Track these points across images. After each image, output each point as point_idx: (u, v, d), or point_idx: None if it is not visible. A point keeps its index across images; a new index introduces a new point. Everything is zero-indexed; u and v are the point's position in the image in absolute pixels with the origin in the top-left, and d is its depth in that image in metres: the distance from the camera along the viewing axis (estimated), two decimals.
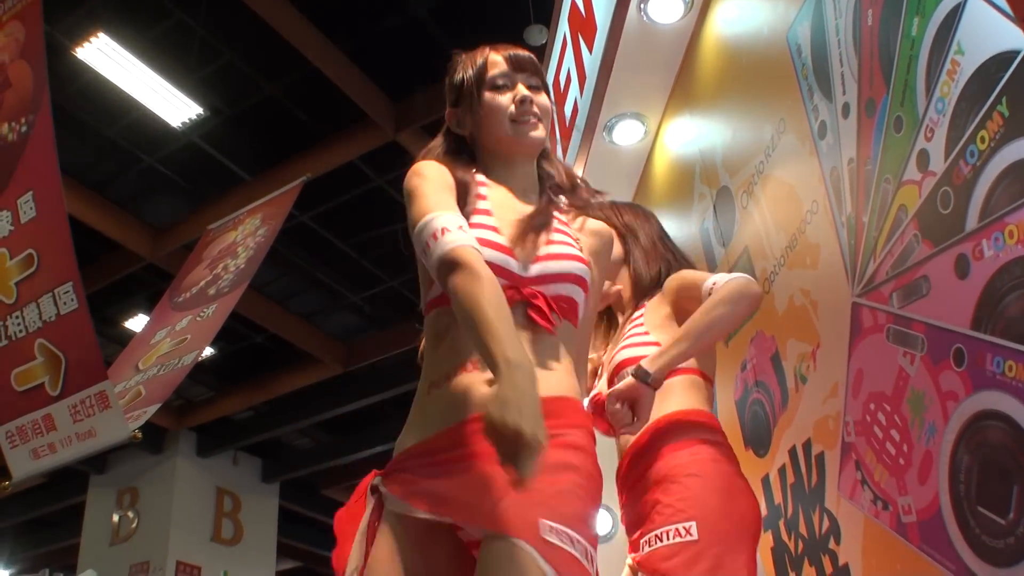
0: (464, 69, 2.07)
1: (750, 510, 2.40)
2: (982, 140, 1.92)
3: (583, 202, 2.06)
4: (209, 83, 8.12)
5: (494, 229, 1.89)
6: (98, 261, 9.99)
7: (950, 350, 2.03)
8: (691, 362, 2.55)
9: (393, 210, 9.46)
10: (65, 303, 4.80)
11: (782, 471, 3.11)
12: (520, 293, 1.84)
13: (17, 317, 5.00)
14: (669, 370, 2.38)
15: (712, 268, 3.85)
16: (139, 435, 4.84)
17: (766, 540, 3.27)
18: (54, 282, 4.86)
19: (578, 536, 1.62)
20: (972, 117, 1.95)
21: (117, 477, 13.82)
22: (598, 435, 2.04)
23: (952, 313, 2.03)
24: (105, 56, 7.61)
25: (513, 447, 1.47)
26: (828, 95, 2.73)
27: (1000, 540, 1.86)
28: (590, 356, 2.68)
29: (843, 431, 2.62)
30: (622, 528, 2.64)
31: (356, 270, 10.53)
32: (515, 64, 2.06)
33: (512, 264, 1.86)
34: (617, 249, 2.76)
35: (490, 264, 1.77)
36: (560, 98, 5.07)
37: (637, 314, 2.66)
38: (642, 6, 4.16)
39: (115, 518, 13.48)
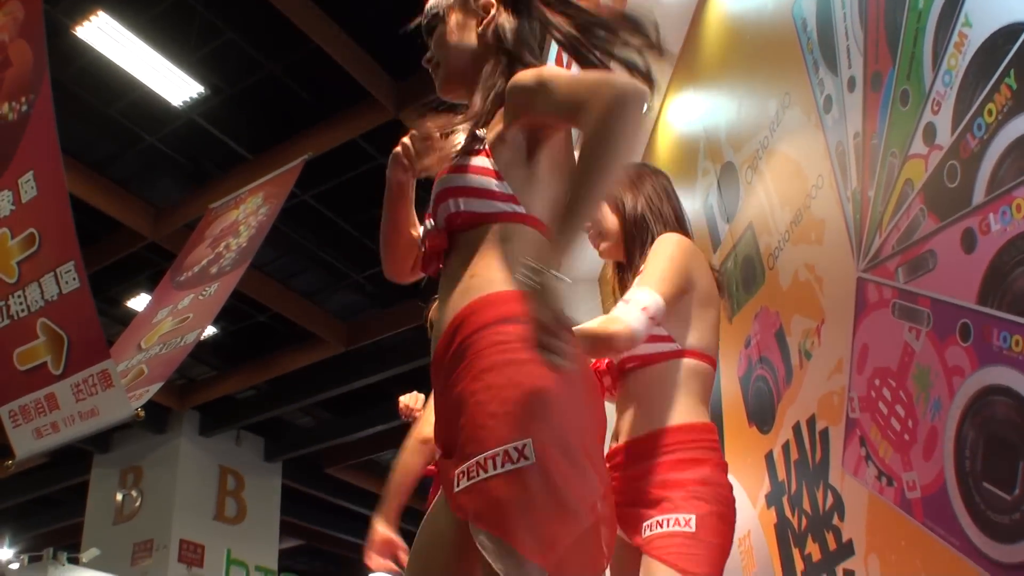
0: None
1: (730, 536, 2.45)
2: (989, 113, 1.90)
3: (475, 114, 2.04)
4: (210, 62, 8.09)
5: None
6: (100, 241, 9.98)
7: (956, 325, 2.02)
8: (695, 343, 2.53)
9: None
10: (67, 282, 4.80)
11: (786, 447, 3.11)
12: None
13: (19, 296, 5.00)
14: None
15: (716, 244, 3.84)
16: (142, 414, 4.84)
17: (769, 516, 3.27)
18: (56, 261, 4.86)
19: (482, 458, 1.61)
20: (979, 90, 1.94)
21: (120, 456, 13.84)
22: None
23: (958, 288, 2.01)
24: (105, 35, 7.57)
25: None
26: (834, 69, 2.71)
27: (1005, 516, 1.85)
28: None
29: (848, 407, 2.62)
30: None
31: (358, 249, 10.51)
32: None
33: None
34: (613, 218, 2.74)
35: None
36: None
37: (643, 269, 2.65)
38: None
39: (118, 497, 13.51)
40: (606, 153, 1.70)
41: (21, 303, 4.98)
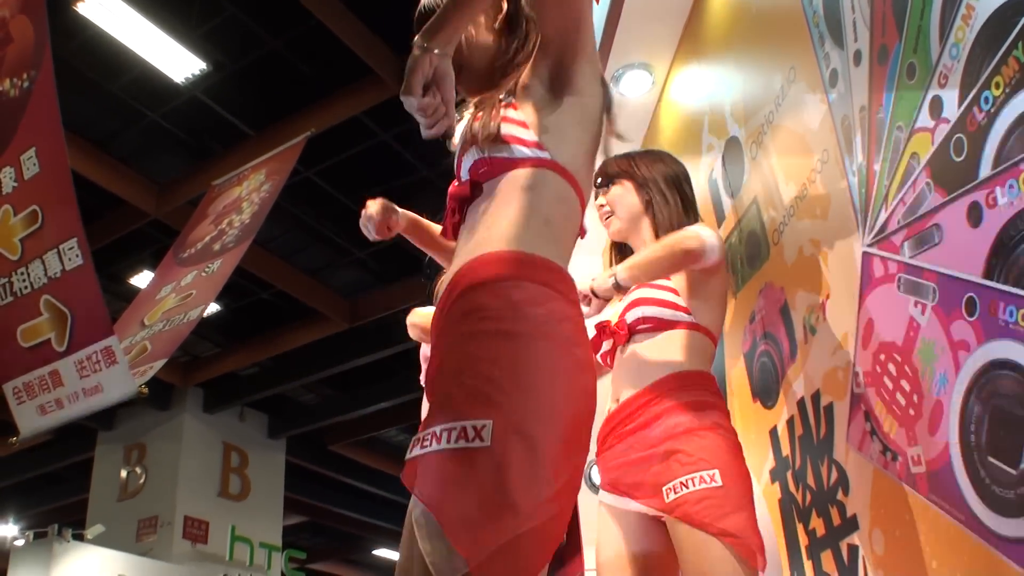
0: None
1: (748, 471, 2.51)
2: (997, 86, 1.89)
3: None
4: (212, 38, 8.07)
5: None
6: (102, 217, 9.99)
7: (962, 299, 2.01)
8: (707, 322, 2.61)
9: (398, 164, 9.46)
10: (70, 259, 4.80)
11: (790, 423, 3.11)
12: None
13: (22, 273, 5.00)
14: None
15: (720, 220, 3.83)
16: (145, 390, 4.85)
17: (773, 492, 3.27)
18: (59, 238, 4.86)
19: (438, 428, 1.52)
20: (987, 63, 1.92)
21: (125, 433, 13.89)
22: None
23: (964, 262, 2.01)
24: (106, 11, 7.55)
25: None
26: (839, 42, 2.69)
27: (1010, 490, 1.85)
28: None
29: (852, 382, 2.61)
30: None
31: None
32: None
33: None
34: (634, 199, 2.81)
35: None
36: None
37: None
38: None
39: (123, 474, 13.56)
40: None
41: (24, 280, 4.98)
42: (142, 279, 10.77)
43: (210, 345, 13.16)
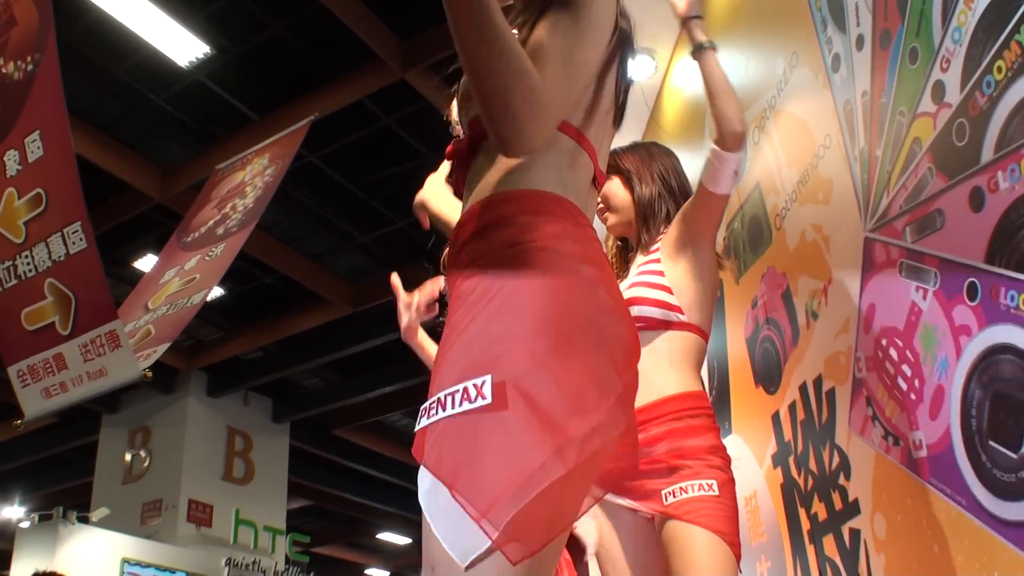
0: None
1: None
2: (999, 70, 1.89)
3: None
4: (216, 21, 8.06)
5: None
6: (106, 201, 9.98)
7: (963, 284, 2.02)
8: (699, 320, 2.60)
9: (402, 150, 9.46)
10: (74, 243, 4.80)
11: (792, 407, 3.11)
12: None
13: (26, 256, 5.00)
14: None
15: None
16: (149, 374, 4.85)
17: (776, 476, 3.28)
18: (63, 222, 4.86)
19: (442, 395, 1.38)
20: (989, 47, 1.92)
21: (129, 417, 13.91)
22: None
23: (966, 246, 2.01)
24: None
25: None
26: (842, 27, 2.69)
27: (1011, 474, 1.85)
28: None
29: (854, 367, 2.62)
30: None
31: (365, 210, 10.50)
32: None
33: None
34: (624, 193, 2.81)
35: None
36: None
37: (653, 247, 2.69)
38: None
39: (127, 457, 13.59)
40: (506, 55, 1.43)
41: (28, 263, 4.98)
42: (146, 263, 10.76)
43: (214, 329, 13.17)
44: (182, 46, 8.15)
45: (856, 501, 2.62)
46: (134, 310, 6.10)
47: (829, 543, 2.81)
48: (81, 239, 4.76)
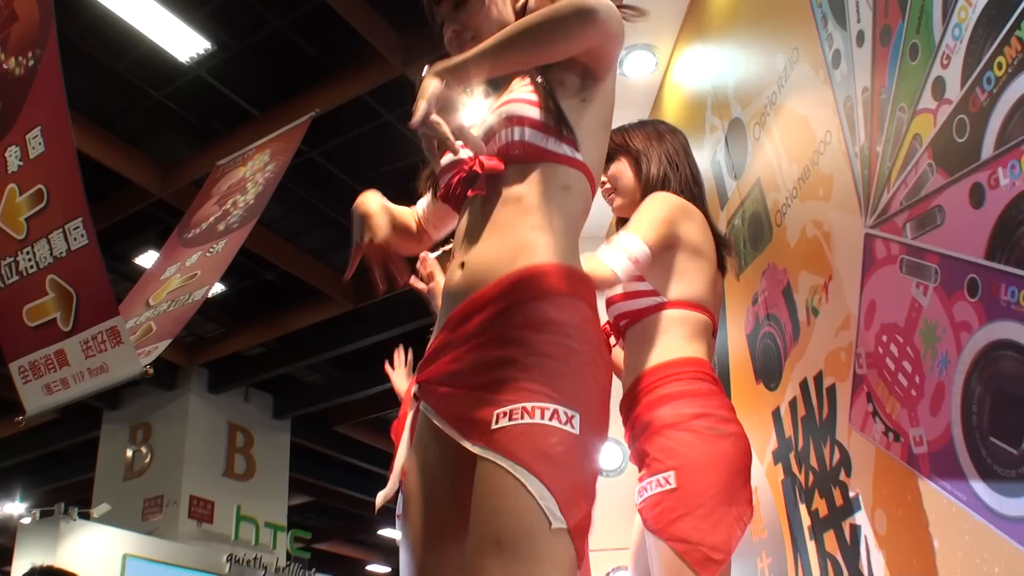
0: None
1: (739, 455, 2.44)
2: (999, 66, 1.89)
3: None
4: (216, 17, 8.05)
5: None
6: (107, 197, 9.98)
7: (964, 280, 2.02)
8: (680, 294, 2.57)
9: (402, 146, 9.45)
10: (75, 239, 4.81)
11: (793, 404, 3.11)
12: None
13: (28, 253, 5.01)
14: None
15: (723, 201, 3.84)
16: (151, 371, 4.86)
17: (776, 473, 3.28)
18: (64, 218, 4.86)
19: (530, 406, 1.66)
20: (990, 43, 1.92)
21: (130, 413, 13.91)
22: None
23: (966, 243, 2.01)
24: None
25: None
26: (842, 23, 2.69)
27: (1012, 470, 1.85)
28: None
29: (855, 363, 2.62)
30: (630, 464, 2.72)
31: None
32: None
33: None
34: (631, 175, 2.80)
35: None
36: None
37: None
38: None
39: (128, 453, 13.60)
40: (538, 24, 1.80)
41: (30, 259, 4.99)
42: (147, 259, 10.76)
43: (215, 325, 13.18)
44: (183, 42, 8.15)
45: (857, 497, 2.63)
46: (135, 306, 6.10)
47: (830, 539, 2.81)
48: (82, 235, 4.77)
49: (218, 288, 11.13)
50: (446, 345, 1.83)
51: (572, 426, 1.64)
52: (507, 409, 1.66)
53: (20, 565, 10.27)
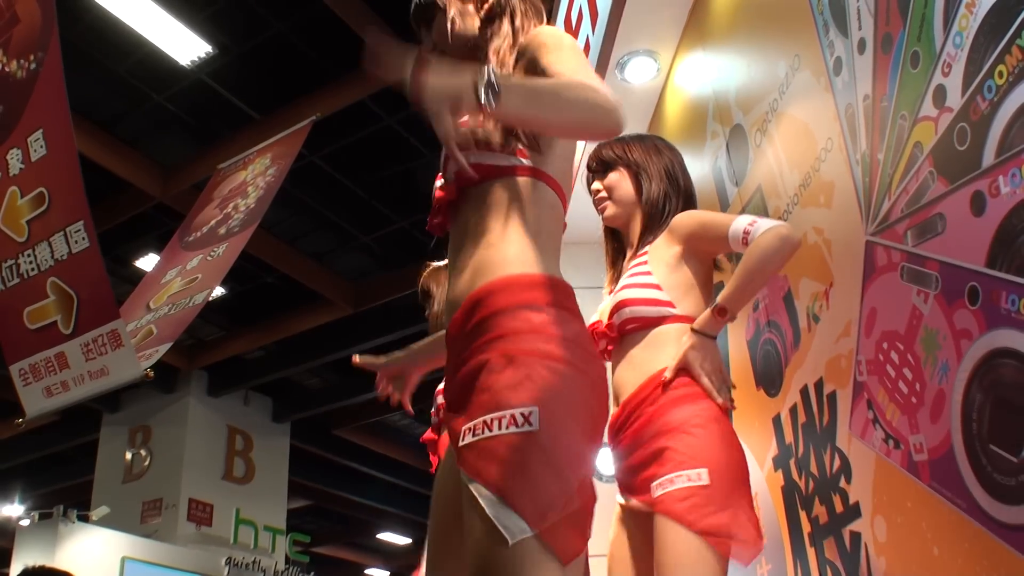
0: None
1: (744, 462, 2.48)
2: (1000, 75, 1.89)
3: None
4: (217, 20, 8.06)
5: None
6: (108, 200, 9.98)
7: (965, 288, 2.02)
8: (688, 309, 2.59)
9: (403, 150, 9.46)
10: (76, 242, 4.81)
11: (793, 410, 3.11)
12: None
13: (29, 255, 5.02)
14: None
15: (724, 208, 3.84)
16: (151, 374, 4.86)
17: (776, 479, 3.28)
18: (65, 221, 4.87)
19: (489, 417, 1.65)
20: (990, 51, 1.93)
21: (130, 415, 13.91)
22: None
23: (967, 251, 2.01)
24: None
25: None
26: (844, 31, 2.69)
27: (1012, 478, 1.86)
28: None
29: (855, 370, 2.62)
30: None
31: (366, 210, 10.51)
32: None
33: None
34: (629, 186, 2.81)
35: None
36: (572, 36, 5.02)
37: (642, 250, 2.70)
38: None
39: (128, 456, 13.59)
40: (574, 100, 1.78)
41: (31, 262, 5.00)
42: (147, 262, 10.77)
43: (215, 329, 13.18)
44: (184, 45, 8.16)
45: (857, 504, 2.63)
46: (136, 309, 6.11)
47: (830, 546, 2.81)
48: (83, 238, 4.78)
49: (218, 291, 11.13)
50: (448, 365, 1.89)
51: (530, 423, 1.61)
52: (471, 425, 1.67)
53: (19, 567, 10.21)
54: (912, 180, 2.27)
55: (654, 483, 2.41)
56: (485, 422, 1.65)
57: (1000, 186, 1.88)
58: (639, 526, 2.53)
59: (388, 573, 23.32)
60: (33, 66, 5.12)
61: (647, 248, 2.70)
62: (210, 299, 5.82)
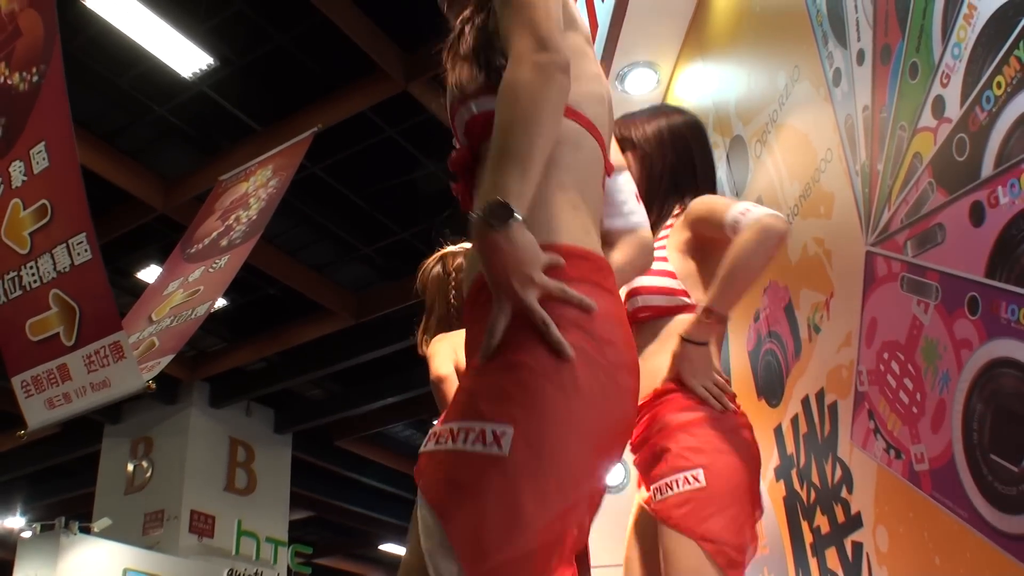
0: None
1: (750, 462, 2.42)
2: (998, 86, 1.90)
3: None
4: (219, 32, 8.09)
5: None
6: (110, 212, 10.00)
7: (964, 298, 2.03)
8: (698, 297, 2.55)
9: (404, 161, 9.48)
10: (79, 254, 4.82)
11: (795, 421, 3.12)
12: None
13: (32, 267, 5.02)
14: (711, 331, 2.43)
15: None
16: (153, 385, 4.86)
17: (778, 489, 3.28)
18: (68, 233, 4.87)
19: (456, 426, 1.42)
20: (989, 62, 1.93)
21: (131, 427, 13.92)
22: None
23: (967, 261, 2.02)
24: (114, 5, 7.55)
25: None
26: (843, 42, 2.70)
27: (1012, 487, 1.86)
28: None
29: (856, 380, 2.62)
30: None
31: (368, 221, 10.53)
32: None
33: None
34: (637, 168, 2.72)
35: None
36: None
37: (662, 235, 2.63)
38: None
39: (130, 467, 13.60)
40: (524, 117, 1.52)
41: (33, 274, 5.00)
42: (149, 274, 10.79)
43: (217, 340, 13.19)
44: (185, 57, 8.18)
45: (858, 514, 2.63)
46: (138, 321, 6.11)
47: (832, 556, 2.82)
48: (86, 250, 4.78)
49: (220, 302, 11.13)
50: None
51: (500, 446, 1.36)
52: (437, 428, 1.46)
53: None
54: (912, 190, 2.28)
55: (654, 486, 2.40)
56: (451, 431, 1.41)
57: (999, 196, 1.89)
58: (652, 526, 2.51)
59: None
60: (35, 79, 5.13)
61: (667, 232, 2.64)
62: (212, 311, 5.83)
